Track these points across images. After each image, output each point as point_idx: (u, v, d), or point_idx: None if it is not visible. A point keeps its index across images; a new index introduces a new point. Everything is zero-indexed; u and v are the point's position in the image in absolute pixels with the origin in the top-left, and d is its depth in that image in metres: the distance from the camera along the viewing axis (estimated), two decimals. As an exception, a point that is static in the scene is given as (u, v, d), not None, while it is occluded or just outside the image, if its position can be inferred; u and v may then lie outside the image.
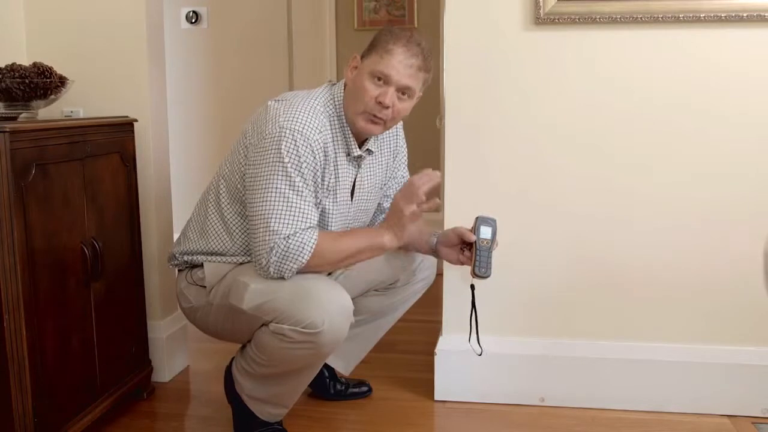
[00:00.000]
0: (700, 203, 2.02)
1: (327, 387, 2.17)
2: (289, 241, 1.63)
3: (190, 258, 1.86)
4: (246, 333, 1.75)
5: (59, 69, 1.97)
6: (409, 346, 2.58)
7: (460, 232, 1.83)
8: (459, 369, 2.12)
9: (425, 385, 2.22)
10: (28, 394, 1.61)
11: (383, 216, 2.02)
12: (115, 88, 2.19)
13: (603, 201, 2.06)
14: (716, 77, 1.98)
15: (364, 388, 2.22)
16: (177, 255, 1.89)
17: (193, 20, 3.87)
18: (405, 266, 2.00)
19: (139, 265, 2.15)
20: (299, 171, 1.65)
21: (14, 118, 1.85)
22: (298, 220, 1.65)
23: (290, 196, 1.65)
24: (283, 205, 1.64)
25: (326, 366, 2.16)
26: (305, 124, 1.67)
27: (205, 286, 1.81)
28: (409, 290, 2.04)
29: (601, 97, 2.02)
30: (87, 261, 1.84)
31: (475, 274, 1.79)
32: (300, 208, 1.65)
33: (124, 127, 2.05)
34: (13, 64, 1.88)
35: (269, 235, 1.63)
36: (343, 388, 2.19)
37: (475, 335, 1.91)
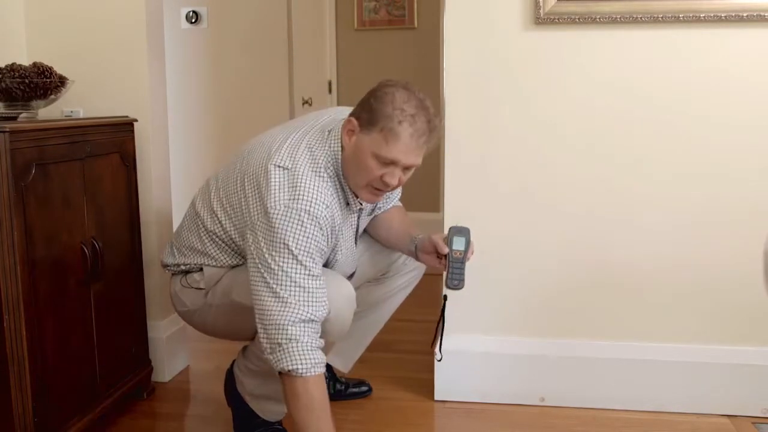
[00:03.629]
0: (700, 203, 2.02)
1: (327, 387, 2.17)
2: (302, 345, 1.54)
3: (186, 261, 1.84)
4: (249, 330, 1.75)
5: (59, 69, 1.97)
6: (409, 346, 2.58)
7: (434, 241, 1.79)
8: (459, 369, 2.12)
9: (425, 385, 2.21)
10: (28, 394, 1.61)
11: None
12: (115, 88, 2.19)
13: (603, 201, 2.06)
14: (716, 77, 1.98)
15: (364, 388, 2.22)
16: (171, 257, 1.88)
17: (193, 20, 3.87)
18: (396, 257, 2.02)
19: (139, 265, 2.15)
20: (309, 254, 1.57)
21: (14, 118, 1.85)
22: (310, 305, 1.56)
23: (304, 282, 1.56)
24: (294, 291, 1.55)
25: (326, 366, 2.15)
26: (312, 202, 1.58)
27: (201, 288, 1.81)
28: (402, 280, 2.04)
29: (601, 97, 2.02)
30: (87, 261, 1.84)
31: (447, 286, 1.77)
32: (312, 292, 1.57)
33: (124, 127, 2.06)
34: (13, 64, 1.88)
35: (283, 318, 1.54)
36: (343, 387, 2.19)
37: (439, 343, 1.88)
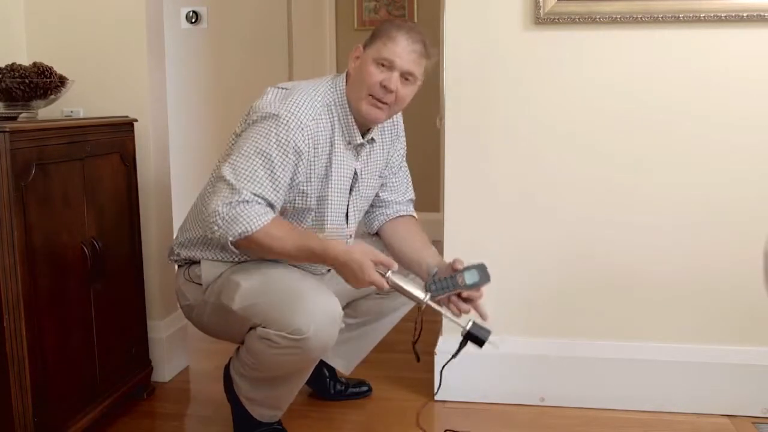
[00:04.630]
0: (700, 203, 2.02)
1: (327, 387, 2.17)
2: (245, 207, 1.61)
3: (188, 254, 1.85)
4: (237, 333, 1.75)
5: (59, 69, 1.97)
6: (409, 346, 2.57)
7: (454, 263, 1.73)
8: (459, 369, 2.11)
9: (425, 385, 2.21)
10: (28, 394, 1.61)
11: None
12: (115, 88, 2.19)
13: (603, 201, 2.06)
14: (716, 77, 1.98)
15: (364, 388, 2.22)
16: (176, 247, 1.89)
17: (193, 20, 3.87)
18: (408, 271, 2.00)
19: (139, 265, 2.15)
20: (282, 150, 1.66)
21: (14, 118, 1.85)
22: (255, 186, 1.63)
23: (259, 165, 1.64)
24: (248, 170, 1.64)
25: (327, 366, 2.16)
26: (300, 108, 1.69)
27: (201, 284, 1.81)
28: None
29: (601, 97, 2.02)
30: (87, 261, 1.84)
31: (426, 286, 1.69)
32: (260, 178, 1.64)
33: (124, 127, 2.06)
34: (13, 64, 1.88)
35: (230, 191, 1.62)
36: (344, 388, 2.19)
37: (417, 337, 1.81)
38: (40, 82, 1.89)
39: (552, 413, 2.09)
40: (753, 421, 2.02)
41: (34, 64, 1.92)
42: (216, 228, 1.62)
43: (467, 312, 1.70)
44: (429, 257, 1.83)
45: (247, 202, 1.62)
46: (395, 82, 1.70)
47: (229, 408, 1.90)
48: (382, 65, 1.70)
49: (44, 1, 2.19)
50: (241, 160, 1.65)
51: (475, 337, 1.64)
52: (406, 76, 1.72)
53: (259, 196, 1.64)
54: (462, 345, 1.69)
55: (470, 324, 1.65)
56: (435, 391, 2.10)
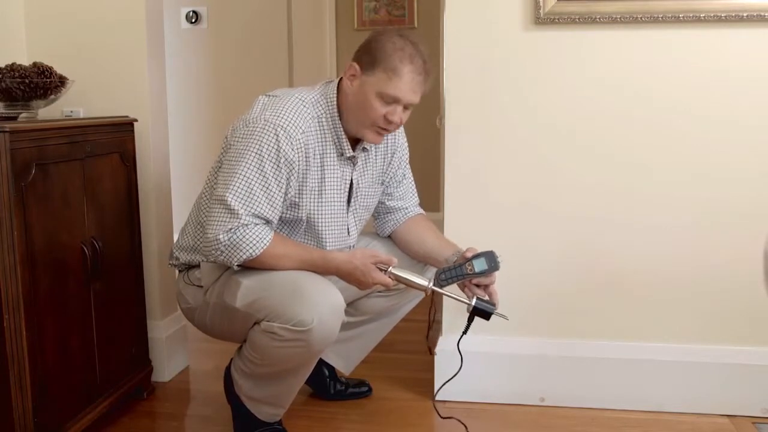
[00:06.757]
0: (700, 203, 2.02)
1: (327, 387, 2.18)
2: (245, 232, 1.65)
3: (188, 258, 1.86)
4: (241, 332, 1.76)
5: (59, 69, 1.97)
6: (409, 346, 2.58)
7: (466, 251, 1.81)
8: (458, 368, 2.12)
9: (425, 385, 2.21)
10: (28, 394, 1.61)
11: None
12: (115, 88, 2.19)
13: (603, 201, 2.06)
14: (716, 77, 1.98)
15: (364, 388, 2.22)
16: (176, 250, 1.90)
17: (193, 20, 3.87)
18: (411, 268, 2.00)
19: (139, 265, 2.15)
20: (275, 164, 1.67)
21: (14, 118, 1.85)
22: (252, 206, 1.66)
23: (255, 183, 1.66)
24: (244, 189, 1.66)
25: (327, 366, 2.16)
26: (290, 122, 1.69)
27: (202, 286, 1.82)
28: (413, 293, 2.04)
29: (601, 97, 2.02)
30: (87, 261, 1.84)
31: (436, 274, 1.78)
32: (257, 197, 1.67)
33: (124, 127, 2.06)
34: (13, 64, 1.88)
35: (228, 216, 1.65)
36: (344, 388, 2.19)
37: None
38: (40, 82, 1.89)
39: (552, 413, 2.09)
40: (753, 421, 2.02)
41: (34, 64, 1.92)
42: (218, 254, 1.67)
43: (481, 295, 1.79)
44: (446, 250, 1.89)
45: (246, 225, 1.65)
46: (399, 115, 1.71)
47: (230, 407, 1.90)
48: (385, 99, 1.69)
49: (44, 1, 2.19)
50: (235, 178, 1.67)
51: (481, 311, 1.73)
52: (408, 105, 1.73)
53: (257, 216, 1.67)
54: (470, 320, 1.77)
55: (475, 299, 1.74)
56: (435, 390, 2.11)
